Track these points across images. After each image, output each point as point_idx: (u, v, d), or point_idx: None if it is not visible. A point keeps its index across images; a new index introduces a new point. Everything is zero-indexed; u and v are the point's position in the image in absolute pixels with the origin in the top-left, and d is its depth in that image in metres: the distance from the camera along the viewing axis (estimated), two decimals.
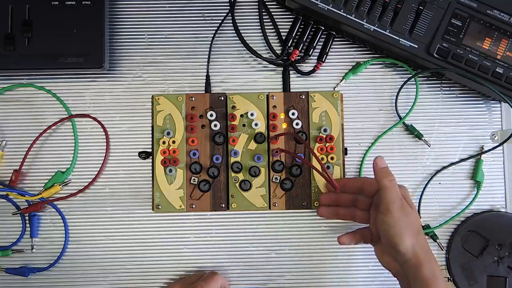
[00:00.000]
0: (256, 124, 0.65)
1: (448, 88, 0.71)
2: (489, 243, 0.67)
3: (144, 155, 0.69)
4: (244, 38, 0.69)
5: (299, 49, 0.69)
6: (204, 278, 0.64)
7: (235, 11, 0.70)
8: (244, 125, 0.66)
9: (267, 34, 0.70)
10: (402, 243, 0.56)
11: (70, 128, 0.70)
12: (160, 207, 0.65)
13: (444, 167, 0.69)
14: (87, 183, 0.69)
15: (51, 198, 0.68)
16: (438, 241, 0.68)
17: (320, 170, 0.61)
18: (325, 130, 0.66)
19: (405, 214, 0.56)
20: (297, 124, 0.66)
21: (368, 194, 0.62)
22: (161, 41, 0.71)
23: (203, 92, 0.69)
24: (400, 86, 0.69)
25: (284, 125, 0.66)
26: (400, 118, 0.69)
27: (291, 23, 0.70)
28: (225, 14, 0.70)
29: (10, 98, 0.70)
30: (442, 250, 0.68)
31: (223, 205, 0.65)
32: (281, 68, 0.70)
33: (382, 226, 0.57)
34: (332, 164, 0.65)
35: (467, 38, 0.64)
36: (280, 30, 0.70)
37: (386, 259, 0.60)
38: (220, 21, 0.70)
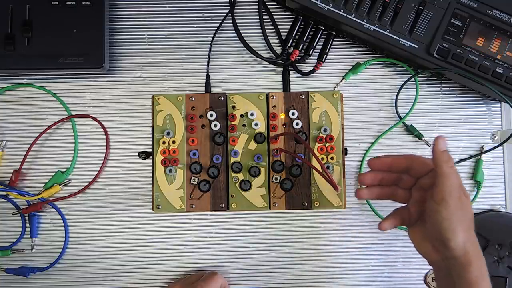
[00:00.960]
0: (256, 124, 0.65)
1: (448, 88, 0.71)
2: (489, 243, 0.67)
3: (144, 155, 0.69)
4: (244, 38, 0.69)
5: (299, 49, 0.69)
6: (204, 278, 0.64)
7: (235, 11, 0.70)
8: (244, 125, 0.66)
9: (267, 34, 0.70)
10: (454, 238, 0.50)
11: (70, 128, 0.70)
12: (160, 207, 0.65)
13: None
14: (87, 183, 0.69)
15: (51, 198, 0.68)
16: None
17: (320, 170, 0.61)
18: (325, 130, 0.65)
19: (461, 206, 0.51)
20: (297, 124, 0.66)
21: (415, 175, 0.56)
22: (161, 41, 0.71)
23: (203, 92, 0.69)
24: (400, 86, 0.69)
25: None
26: (400, 118, 0.69)
27: (291, 23, 0.70)
28: (225, 14, 0.70)
29: (10, 98, 0.70)
30: None
31: (223, 205, 0.65)
32: (281, 68, 0.70)
33: (434, 216, 0.51)
34: (332, 164, 0.65)
35: (467, 38, 0.64)
36: (280, 30, 0.70)
37: (426, 247, 0.54)
38: (220, 21, 0.70)
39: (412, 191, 0.56)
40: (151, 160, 0.67)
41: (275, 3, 0.71)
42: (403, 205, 0.58)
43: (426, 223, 0.54)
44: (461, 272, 0.51)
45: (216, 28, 0.70)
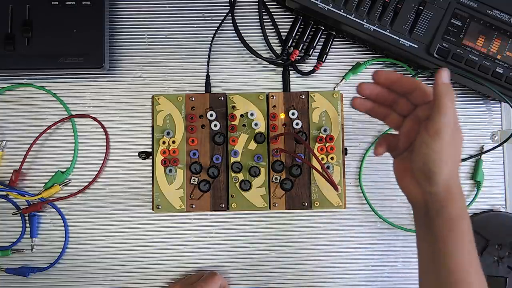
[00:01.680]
0: (256, 124, 0.65)
1: None
2: (489, 243, 0.67)
3: (144, 155, 0.69)
4: (244, 38, 0.69)
5: (299, 49, 0.69)
6: (204, 279, 0.64)
7: (235, 11, 0.70)
8: (244, 125, 0.66)
9: (267, 34, 0.70)
10: (439, 172, 0.49)
11: (70, 128, 0.70)
12: (160, 207, 0.65)
13: None
14: (87, 183, 0.69)
15: (51, 198, 0.68)
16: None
17: (320, 170, 0.61)
18: (325, 130, 0.65)
19: (453, 143, 0.49)
20: (297, 124, 0.66)
21: (414, 101, 0.53)
22: (161, 41, 0.71)
23: (203, 92, 0.69)
24: None
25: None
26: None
27: (291, 23, 0.70)
28: (225, 14, 0.70)
29: (10, 98, 0.70)
30: None
31: (223, 205, 0.65)
32: (281, 68, 0.70)
33: (424, 148, 0.49)
34: (332, 164, 0.65)
35: (467, 38, 0.64)
36: (280, 30, 0.70)
37: (408, 182, 0.53)
38: (220, 21, 0.70)
39: (406, 120, 0.54)
40: (151, 160, 0.67)
41: (275, 3, 0.71)
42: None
43: (413, 155, 0.51)
44: (441, 208, 0.50)
45: (216, 28, 0.70)
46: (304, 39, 0.69)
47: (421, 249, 0.54)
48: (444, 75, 0.49)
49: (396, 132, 0.56)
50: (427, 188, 0.50)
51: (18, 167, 0.68)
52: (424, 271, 0.53)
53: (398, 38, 0.65)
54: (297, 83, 0.70)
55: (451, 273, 0.49)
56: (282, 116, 0.66)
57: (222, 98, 0.66)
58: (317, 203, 0.65)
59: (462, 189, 0.51)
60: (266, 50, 0.70)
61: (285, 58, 0.70)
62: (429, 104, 0.51)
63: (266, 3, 0.71)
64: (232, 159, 0.65)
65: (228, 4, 0.70)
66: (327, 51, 0.69)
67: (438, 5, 0.64)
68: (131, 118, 0.70)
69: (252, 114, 0.65)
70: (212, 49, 0.70)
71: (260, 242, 0.69)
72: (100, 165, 0.69)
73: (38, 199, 0.68)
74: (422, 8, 0.64)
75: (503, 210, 0.69)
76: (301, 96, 0.66)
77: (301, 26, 0.70)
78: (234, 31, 0.69)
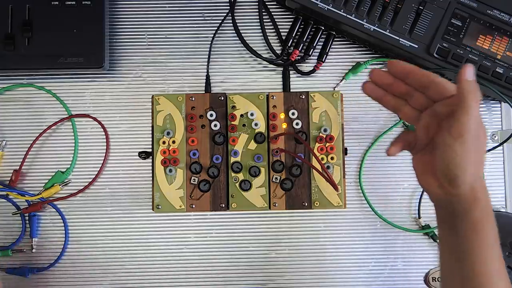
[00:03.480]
0: (256, 124, 0.65)
1: None
2: None
3: (144, 155, 0.69)
4: (244, 38, 0.69)
5: (299, 49, 0.69)
6: None
7: (235, 11, 0.70)
8: (244, 125, 0.66)
9: (267, 34, 0.70)
10: (463, 176, 0.45)
11: (70, 128, 0.70)
12: (160, 207, 0.65)
13: None
14: (87, 183, 0.69)
15: (51, 198, 0.68)
16: (438, 241, 0.68)
17: (320, 170, 0.61)
18: (325, 130, 0.65)
19: (477, 145, 0.46)
20: (297, 124, 0.66)
21: (431, 97, 0.48)
22: (161, 41, 0.71)
23: (203, 92, 0.69)
24: None
25: (284, 125, 0.66)
26: (400, 118, 0.69)
27: (291, 23, 0.70)
28: (225, 14, 0.70)
29: (10, 98, 0.70)
30: None
31: (223, 205, 0.65)
32: (281, 68, 0.70)
33: (446, 150, 0.45)
34: (332, 164, 0.65)
35: (467, 38, 0.64)
36: (280, 30, 0.71)
37: (429, 181, 0.49)
38: (220, 21, 0.70)
39: (424, 115, 0.49)
40: (151, 160, 0.67)
41: (275, 3, 0.71)
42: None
43: (434, 155, 0.48)
44: (465, 210, 0.47)
45: (216, 28, 0.70)
46: (304, 39, 0.69)
47: (444, 249, 0.51)
48: (469, 71, 0.44)
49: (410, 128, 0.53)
50: (451, 190, 0.47)
51: (18, 167, 0.68)
52: (448, 270, 0.51)
53: (398, 38, 0.65)
54: (297, 83, 0.70)
55: (476, 275, 0.48)
56: (282, 116, 0.66)
57: (222, 98, 0.66)
58: (317, 203, 0.65)
59: (487, 192, 0.48)
60: (266, 50, 0.70)
61: (285, 58, 0.70)
62: (449, 100, 0.47)
63: (266, 3, 0.71)
64: (232, 159, 0.65)
65: (228, 4, 0.70)
66: (327, 51, 0.69)
67: (438, 5, 0.64)
68: (131, 118, 0.70)
69: (252, 114, 0.65)
70: (212, 49, 0.70)
71: (260, 242, 0.69)
72: (100, 165, 0.69)
73: (38, 199, 0.68)
74: (422, 8, 0.64)
75: (503, 210, 0.69)
76: (301, 96, 0.66)
77: (301, 26, 0.70)
78: (234, 31, 0.69)
